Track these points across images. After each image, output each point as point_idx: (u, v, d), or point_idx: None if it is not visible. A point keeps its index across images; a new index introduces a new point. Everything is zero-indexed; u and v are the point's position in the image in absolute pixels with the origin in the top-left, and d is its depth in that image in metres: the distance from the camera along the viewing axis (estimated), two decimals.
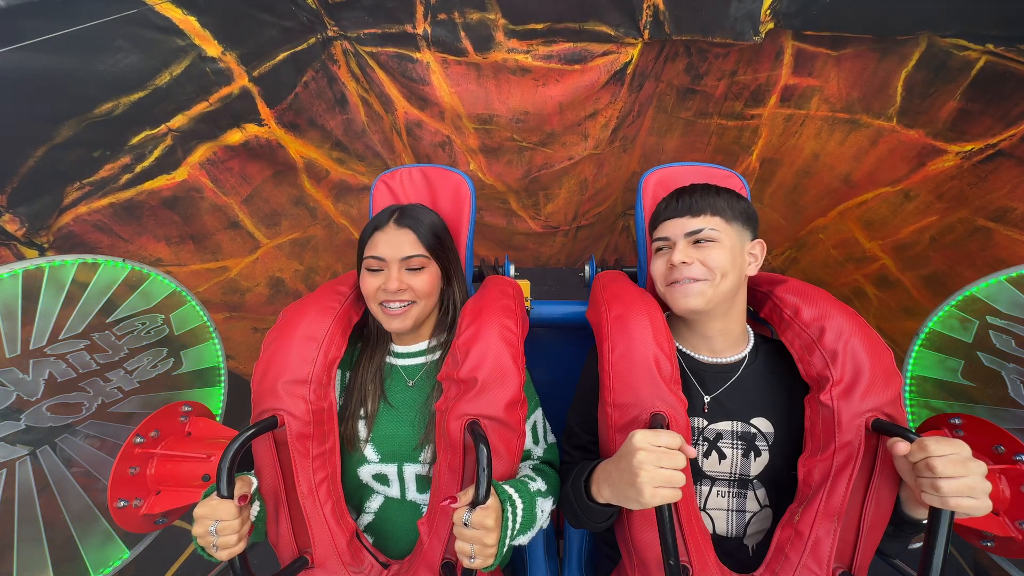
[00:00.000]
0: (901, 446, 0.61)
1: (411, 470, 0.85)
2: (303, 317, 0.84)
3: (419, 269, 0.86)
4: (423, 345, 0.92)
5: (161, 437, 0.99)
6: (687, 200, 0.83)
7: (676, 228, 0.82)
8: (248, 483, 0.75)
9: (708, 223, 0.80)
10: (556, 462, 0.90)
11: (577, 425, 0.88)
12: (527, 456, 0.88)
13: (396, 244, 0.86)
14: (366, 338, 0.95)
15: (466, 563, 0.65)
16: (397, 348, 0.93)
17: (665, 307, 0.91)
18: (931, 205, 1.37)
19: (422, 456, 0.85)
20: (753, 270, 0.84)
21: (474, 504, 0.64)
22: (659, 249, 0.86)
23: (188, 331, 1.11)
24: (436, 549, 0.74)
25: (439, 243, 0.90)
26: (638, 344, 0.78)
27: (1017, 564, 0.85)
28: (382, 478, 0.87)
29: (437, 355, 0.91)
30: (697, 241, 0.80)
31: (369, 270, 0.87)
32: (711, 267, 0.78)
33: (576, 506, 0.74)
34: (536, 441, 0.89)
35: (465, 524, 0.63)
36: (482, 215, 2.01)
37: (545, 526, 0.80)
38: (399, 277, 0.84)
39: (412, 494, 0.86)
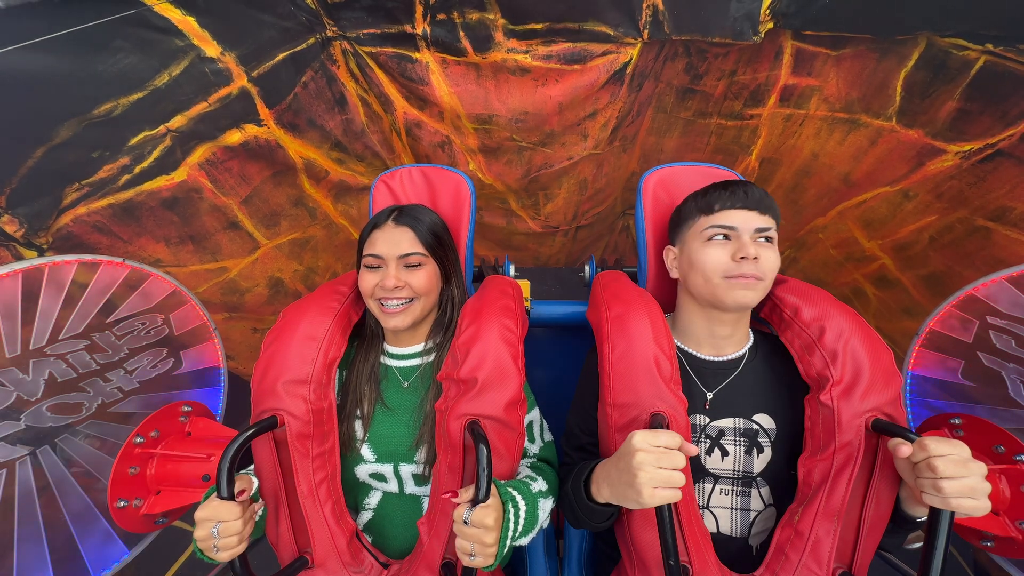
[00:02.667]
0: (904, 449, 0.61)
1: (407, 469, 0.86)
2: (303, 317, 0.84)
3: (417, 267, 0.86)
4: (418, 347, 0.92)
5: (161, 437, 0.99)
6: (756, 194, 0.80)
7: (744, 220, 0.79)
8: (248, 482, 0.75)
9: (771, 223, 0.79)
10: (554, 459, 0.90)
11: (577, 426, 0.88)
12: (524, 454, 0.88)
13: (394, 242, 0.86)
14: (361, 338, 0.95)
15: (466, 561, 0.65)
16: (392, 349, 0.93)
17: (666, 307, 0.92)
18: (930, 205, 1.37)
19: (417, 456, 0.85)
20: None
21: (475, 503, 0.64)
22: (716, 236, 0.80)
23: (188, 331, 1.11)
24: (436, 549, 0.74)
25: (438, 241, 0.90)
26: (638, 344, 0.78)
27: (1017, 564, 0.85)
28: (379, 476, 0.87)
29: (432, 357, 0.91)
30: (762, 239, 0.79)
31: (367, 267, 0.87)
32: (769, 267, 0.77)
33: (576, 506, 0.74)
34: (532, 440, 0.89)
35: (465, 522, 0.63)
36: (482, 215, 2.01)
37: (545, 526, 0.80)
38: (396, 274, 0.84)
39: (411, 488, 0.87)
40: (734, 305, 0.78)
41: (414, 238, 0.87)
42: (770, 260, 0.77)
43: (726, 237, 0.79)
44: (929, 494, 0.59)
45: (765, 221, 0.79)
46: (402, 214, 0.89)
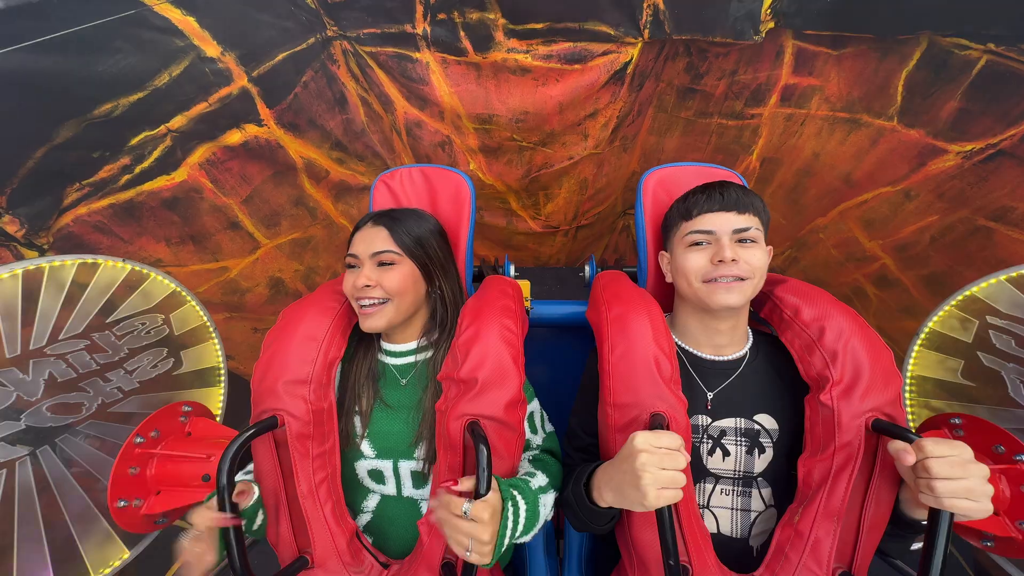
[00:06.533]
0: (907, 457, 0.61)
1: (406, 467, 0.86)
2: (303, 317, 0.85)
3: (389, 265, 0.85)
4: (412, 344, 0.92)
5: (161, 437, 0.99)
6: (732, 195, 0.80)
7: (722, 223, 0.80)
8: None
9: (752, 222, 0.80)
10: (557, 450, 0.90)
11: (579, 426, 0.88)
12: (527, 447, 0.88)
13: (368, 240, 0.86)
14: (360, 337, 0.95)
15: (461, 554, 0.64)
16: (387, 346, 0.93)
17: (666, 307, 0.92)
18: (931, 205, 1.37)
19: (417, 453, 0.85)
20: None
21: (475, 497, 0.64)
22: (697, 243, 0.81)
23: (188, 331, 1.11)
24: (436, 549, 0.74)
25: (416, 242, 0.88)
26: (638, 344, 0.78)
27: (1017, 564, 0.85)
28: (377, 475, 0.87)
29: (429, 354, 0.91)
30: (742, 240, 0.79)
31: (348, 267, 0.88)
32: (754, 267, 0.78)
33: (579, 510, 0.74)
34: (535, 431, 0.89)
35: (464, 513, 0.63)
36: (482, 215, 2.00)
37: (549, 519, 0.80)
38: (368, 273, 0.84)
39: (408, 490, 0.86)
40: (718, 307, 0.79)
41: (388, 237, 0.86)
42: (754, 259, 0.78)
43: (707, 242, 0.81)
44: (924, 494, 0.59)
45: (744, 221, 0.79)
46: (382, 215, 0.90)
